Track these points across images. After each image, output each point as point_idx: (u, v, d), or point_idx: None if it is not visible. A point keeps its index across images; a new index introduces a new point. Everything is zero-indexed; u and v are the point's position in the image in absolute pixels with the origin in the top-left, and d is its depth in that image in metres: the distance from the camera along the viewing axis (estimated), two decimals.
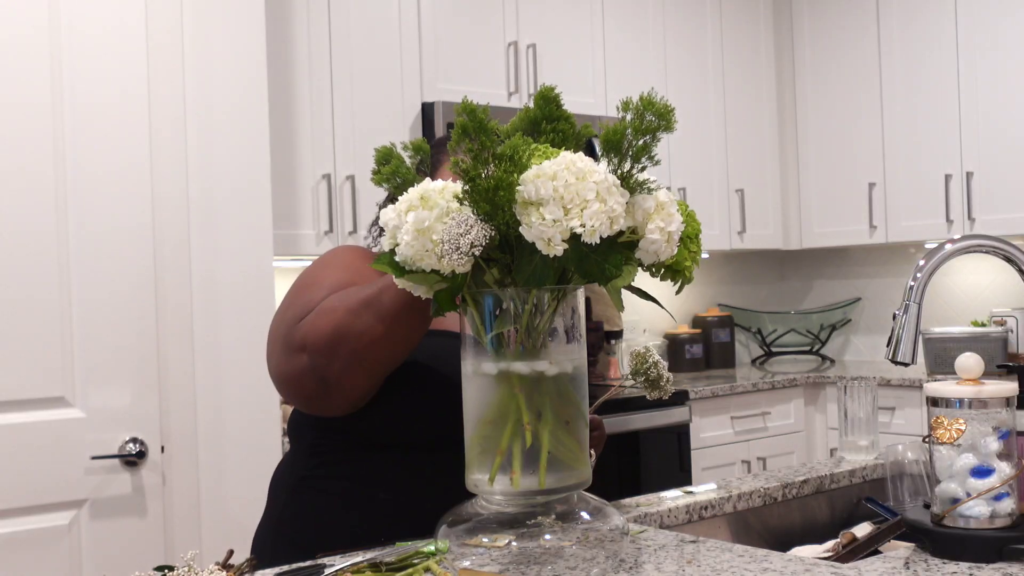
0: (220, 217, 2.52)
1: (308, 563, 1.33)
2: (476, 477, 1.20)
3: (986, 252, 1.49)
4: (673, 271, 1.24)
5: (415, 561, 1.25)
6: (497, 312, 1.18)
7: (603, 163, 1.17)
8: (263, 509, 1.65)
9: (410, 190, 1.17)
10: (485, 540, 1.20)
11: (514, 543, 1.18)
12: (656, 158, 1.18)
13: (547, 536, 1.18)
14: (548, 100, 1.22)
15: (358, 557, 1.30)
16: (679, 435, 3.66)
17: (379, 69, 3.31)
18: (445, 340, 1.53)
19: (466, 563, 1.19)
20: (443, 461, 1.47)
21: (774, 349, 4.77)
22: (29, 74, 2.29)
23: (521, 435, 1.17)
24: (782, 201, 4.64)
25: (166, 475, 2.43)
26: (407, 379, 1.48)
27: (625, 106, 1.17)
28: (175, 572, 1.17)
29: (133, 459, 2.36)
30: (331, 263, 1.56)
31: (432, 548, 1.28)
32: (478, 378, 1.20)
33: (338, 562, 1.30)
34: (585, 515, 1.21)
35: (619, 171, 1.17)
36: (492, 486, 1.17)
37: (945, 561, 1.30)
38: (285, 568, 1.31)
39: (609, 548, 1.20)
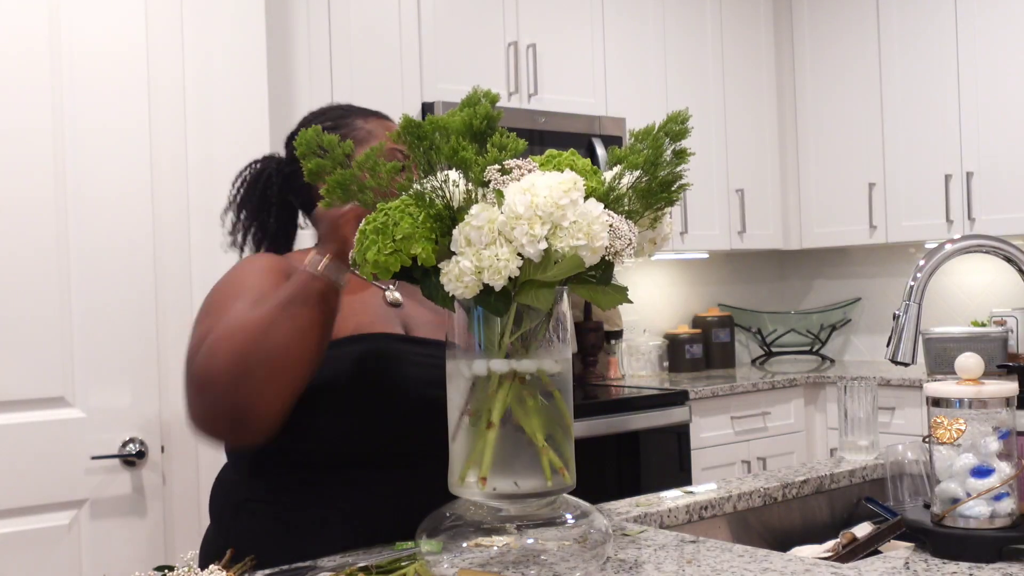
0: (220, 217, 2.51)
1: (306, 563, 1.33)
2: (463, 480, 1.19)
3: (986, 252, 1.49)
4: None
5: (403, 563, 1.25)
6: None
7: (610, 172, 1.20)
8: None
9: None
10: (469, 543, 1.19)
11: (496, 546, 1.18)
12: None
13: (529, 540, 1.18)
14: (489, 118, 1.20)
15: (348, 558, 1.30)
16: (679, 435, 3.65)
17: (379, 69, 3.30)
18: (379, 344, 1.47)
19: (445, 566, 1.18)
20: (396, 479, 1.43)
21: (774, 349, 4.77)
22: (29, 75, 2.29)
23: (513, 437, 1.17)
24: (782, 201, 4.64)
25: (166, 475, 2.43)
26: (337, 389, 1.42)
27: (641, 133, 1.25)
28: (175, 572, 1.17)
29: (133, 459, 2.36)
30: (237, 282, 1.45)
31: (419, 549, 1.28)
32: (468, 379, 1.19)
33: (328, 564, 1.29)
34: (569, 517, 1.21)
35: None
36: (486, 488, 1.16)
37: (945, 561, 1.30)
38: (284, 568, 1.31)
39: (592, 551, 1.20)
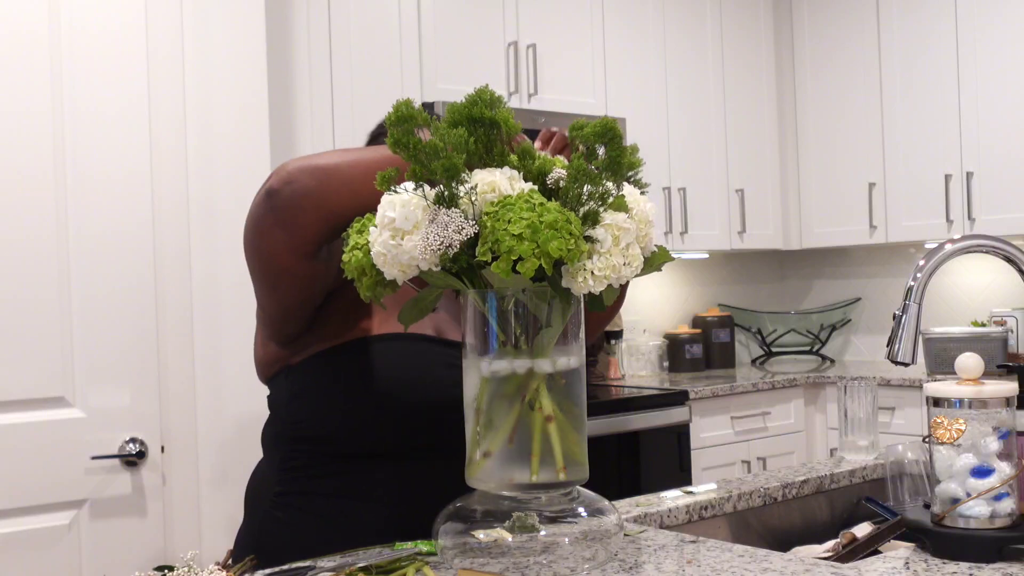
0: (220, 217, 2.52)
1: (306, 563, 1.33)
2: (481, 472, 1.20)
3: (986, 252, 1.49)
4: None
5: (403, 563, 1.25)
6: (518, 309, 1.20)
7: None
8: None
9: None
10: (482, 536, 1.20)
11: (511, 539, 1.19)
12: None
13: (543, 532, 1.19)
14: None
15: (348, 558, 1.30)
16: (679, 435, 3.65)
17: (379, 69, 3.31)
18: (414, 344, 1.50)
19: (464, 563, 1.19)
20: (424, 472, 1.46)
21: (774, 349, 4.77)
22: (30, 75, 2.29)
23: (535, 430, 1.18)
24: (782, 201, 4.64)
25: (166, 475, 2.43)
26: (374, 383, 1.45)
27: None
28: (175, 572, 1.17)
29: (133, 459, 2.36)
30: None
31: (425, 548, 1.28)
32: (488, 374, 1.21)
33: (328, 564, 1.30)
34: (582, 511, 1.22)
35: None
36: (515, 479, 1.18)
37: (945, 561, 1.30)
38: (284, 568, 1.31)
39: (605, 543, 1.21)
